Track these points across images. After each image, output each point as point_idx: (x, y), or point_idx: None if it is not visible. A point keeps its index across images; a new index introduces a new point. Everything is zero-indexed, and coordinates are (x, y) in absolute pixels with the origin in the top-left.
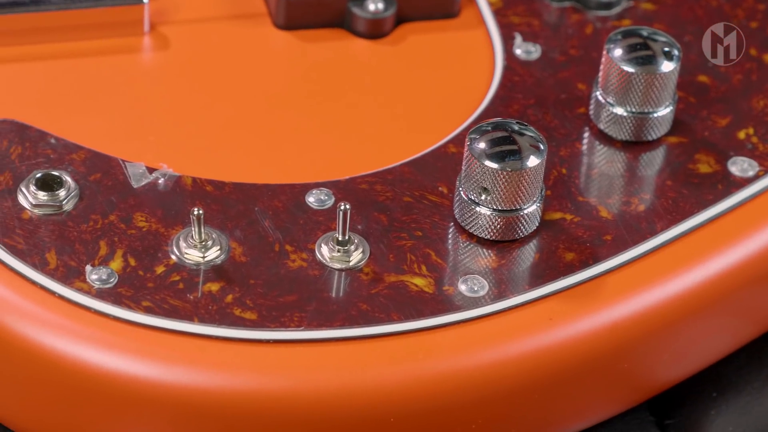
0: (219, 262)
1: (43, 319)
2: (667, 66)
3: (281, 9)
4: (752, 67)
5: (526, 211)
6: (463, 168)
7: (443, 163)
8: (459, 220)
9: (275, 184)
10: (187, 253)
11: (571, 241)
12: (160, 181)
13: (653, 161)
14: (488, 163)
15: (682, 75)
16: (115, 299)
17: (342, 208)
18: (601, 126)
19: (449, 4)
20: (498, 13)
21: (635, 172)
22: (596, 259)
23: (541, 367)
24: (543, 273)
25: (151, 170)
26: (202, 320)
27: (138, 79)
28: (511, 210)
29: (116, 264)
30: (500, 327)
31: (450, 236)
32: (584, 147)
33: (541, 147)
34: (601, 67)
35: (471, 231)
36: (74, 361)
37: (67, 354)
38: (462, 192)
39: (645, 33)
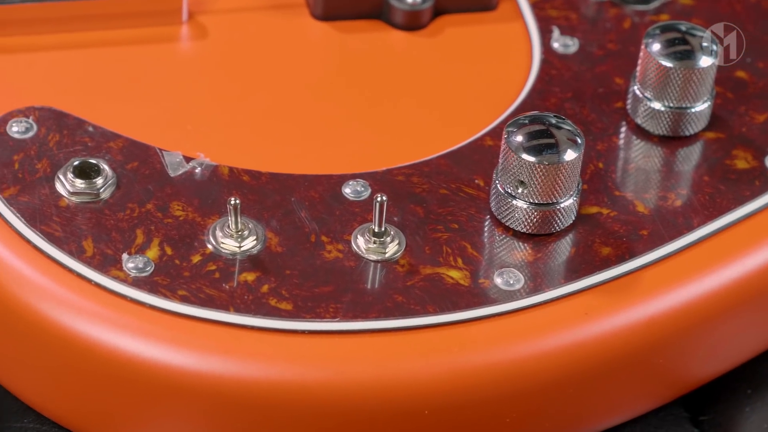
0: (255, 252)
1: (79, 307)
2: (705, 61)
3: (319, 0)
4: None
5: (562, 205)
6: (500, 161)
7: (480, 156)
8: (495, 213)
9: (312, 174)
10: (223, 243)
11: (607, 235)
12: (197, 171)
13: (690, 156)
14: (525, 157)
15: (720, 70)
16: (151, 288)
17: (379, 199)
18: (639, 120)
19: None
20: (536, 6)
21: (672, 167)
22: (632, 254)
23: (576, 362)
24: (579, 267)
25: (188, 159)
26: (238, 310)
27: (176, 69)
28: (548, 204)
29: (152, 253)
30: (535, 321)
31: (486, 229)
32: (621, 141)
33: (579, 141)
34: (639, 61)
35: (507, 224)
36: (109, 349)
37: (102, 342)
38: (499, 185)
39: (683, 28)
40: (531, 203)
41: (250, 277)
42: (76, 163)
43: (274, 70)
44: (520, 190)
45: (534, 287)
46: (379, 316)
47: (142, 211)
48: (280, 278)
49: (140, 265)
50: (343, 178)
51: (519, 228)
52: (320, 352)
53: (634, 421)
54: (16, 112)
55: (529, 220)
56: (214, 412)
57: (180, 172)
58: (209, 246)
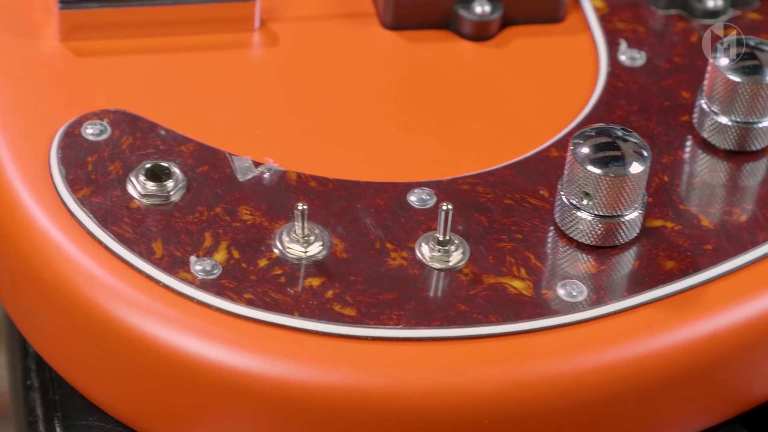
0: (321, 257)
1: (147, 308)
2: None
3: (389, 9)
4: None
5: (627, 218)
6: (566, 172)
7: (545, 167)
8: (559, 224)
9: (378, 182)
10: (289, 248)
11: (671, 249)
12: (265, 176)
13: (756, 171)
14: (591, 168)
15: None
16: (218, 290)
17: (444, 208)
18: (705, 134)
19: (555, 9)
20: (603, 19)
21: (738, 182)
22: (696, 269)
23: (638, 376)
24: (642, 280)
25: (257, 164)
26: (302, 314)
27: (247, 75)
28: (613, 216)
29: (220, 256)
30: (598, 333)
31: (550, 240)
32: (687, 155)
33: (645, 154)
34: (707, 75)
35: (571, 235)
36: (175, 351)
37: (168, 343)
38: (563, 196)
39: (752, 43)
40: (596, 215)
41: (315, 282)
42: (147, 165)
43: (343, 78)
44: (585, 202)
45: (597, 299)
46: (441, 325)
47: (210, 215)
48: (345, 284)
49: (208, 268)
50: (409, 186)
51: (583, 240)
52: (382, 358)
53: None
54: (91, 115)
55: (593, 232)
56: (276, 415)
57: (249, 177)
58: (276, 250)
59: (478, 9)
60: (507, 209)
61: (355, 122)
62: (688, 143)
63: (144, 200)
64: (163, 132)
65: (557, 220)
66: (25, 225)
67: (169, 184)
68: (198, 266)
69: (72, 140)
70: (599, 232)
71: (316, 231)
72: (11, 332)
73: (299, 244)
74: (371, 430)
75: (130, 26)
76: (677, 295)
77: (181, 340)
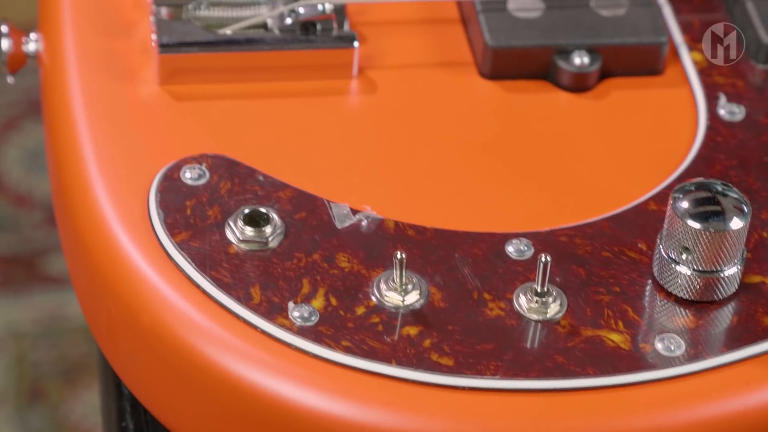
0: (418, 306)
1: (245, 353)
2: None
3: (487, 59)
4: None
5: (726, 273)
6: (665, 226)
7: (643, 220)
8: (658, 278)
9: (475, 231)
10: (387, 296)
11: None
12: (363, 223)
13: None
14: (691, 223)
15: None
16: (316, 337)
17: (543, 259)
18: None
19: (654, 62)
20: (703, 73)
21: None
22: None
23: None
24: (740, 336)
25: (355, 211)
26: (400, 363)
27: (345, 122)
28: (711, 271)
29: (318, 302)
30: (696, 388)
31: (648, 293)
32: None
33: (745, 209)
34: None
35: (669, 289)
36: (273, 396)
37: (266, 388)
38: (662, 250)
39: None
40: (694, 270)
41: (412, 331)
42: (246, 211)
43: (442, 126)
44: (684, 257)
45: (695, 354)
46: (539, 376)
47: (308, 261)
48: (443, 333)
49: (305, 315)
50: (507, 237)
51: (681, 294)
52: (480, 409)
53: None
54: (190, 159)
55: (691, 287)
56: None
57: (347, 224)
58: (373, 298)
59: (576, 60)
60: (605, 262)
61: (453, 171)
62: None
63: (242, 245)
64: (261, 177)
65: (655, 274)
66: (124, 268)
67: (268, 229)
68: (296, 312)
69: (171, 184)
70: (698, 286)
71: (414, 280)
72: (106, 373)
73: (397, 292)
74: None
75: (229, 71)
76: None
77: (278, 386)
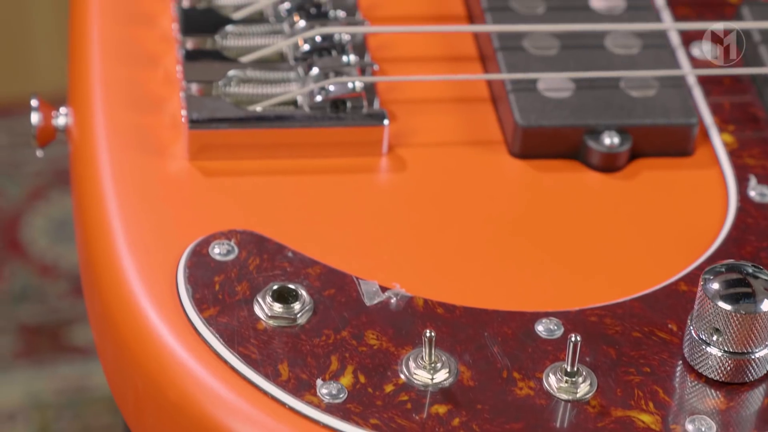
0: (447, 384)
1: (273, 430)
2: None
3: (517, 138)
4: None
5: (757, 355)
6: (696, 307)
7: (674, 301)
8: (688, 359)
9: (505, 310)
10: (416, 374)
11: None
12: (392, 301)
13: None
14: (722, 305)
15: None
16: (344, 415)
17: (573, 339)
18: None
19: (684, 143)
20: (733, 154)
21: None
22: None
23: None
24: None
25: (384, 289)
26: None
27: (374, 199)
28: (742, 353)
29: (346, 380)
30: None
31: (678, 374)
32: None
33: None
34: None
35: (700, 370)
36: None
37: None
38: (693, 331)
39: None
40: (725, 351)
41: (441, 409)
42: (275, 287)
43: (471, 205)
44: (714, 338)
45: None
46: None
47: (337, 338)
48: (472, 412)
49: (334, 392)
50: (536, 316)
51: (712, 375)
52: None
53: None
54: (219, 235)
55: (722, 368)
56: None
57: (376, 302)
58: (402, 376)
59: (607, 140)
60: (635, 342)
61: (482, 250)
62: None
63: (271, 322)
64: (290, 254)
65: (686, 355)
66: (152, 343)
67: (296, 306)
68: (324, 390)
69: (199, 259)
70: (729, 368)
71: (443, 358)
72: None
73: (426, 370)
74: None
75: (259, 147)
76: None
77: None
